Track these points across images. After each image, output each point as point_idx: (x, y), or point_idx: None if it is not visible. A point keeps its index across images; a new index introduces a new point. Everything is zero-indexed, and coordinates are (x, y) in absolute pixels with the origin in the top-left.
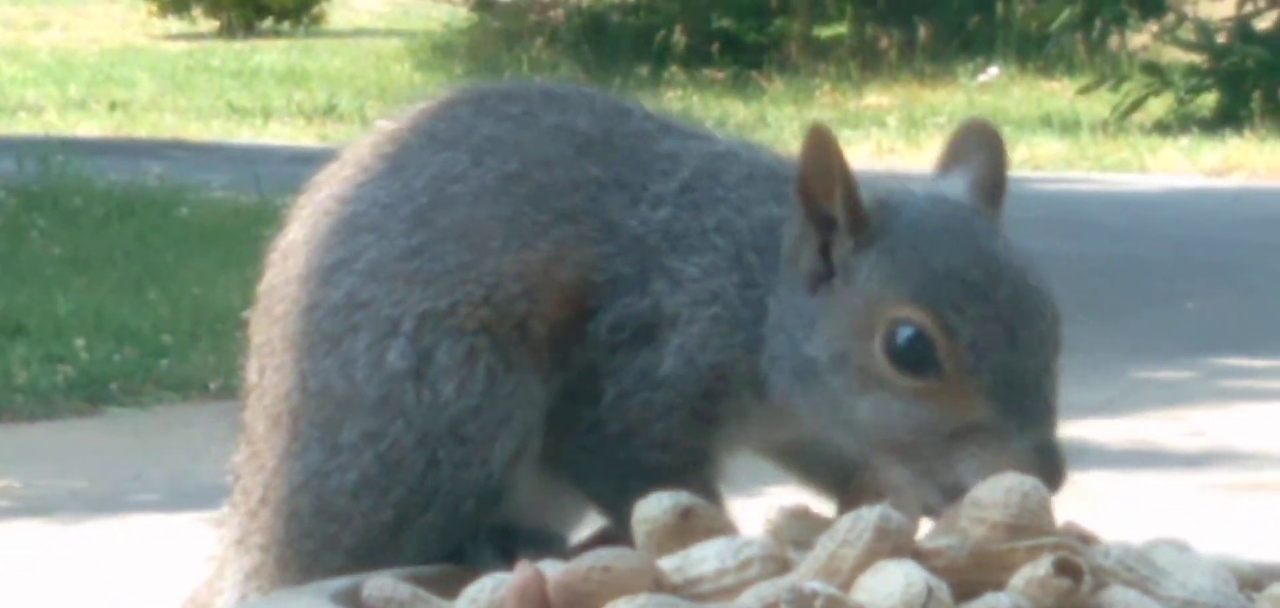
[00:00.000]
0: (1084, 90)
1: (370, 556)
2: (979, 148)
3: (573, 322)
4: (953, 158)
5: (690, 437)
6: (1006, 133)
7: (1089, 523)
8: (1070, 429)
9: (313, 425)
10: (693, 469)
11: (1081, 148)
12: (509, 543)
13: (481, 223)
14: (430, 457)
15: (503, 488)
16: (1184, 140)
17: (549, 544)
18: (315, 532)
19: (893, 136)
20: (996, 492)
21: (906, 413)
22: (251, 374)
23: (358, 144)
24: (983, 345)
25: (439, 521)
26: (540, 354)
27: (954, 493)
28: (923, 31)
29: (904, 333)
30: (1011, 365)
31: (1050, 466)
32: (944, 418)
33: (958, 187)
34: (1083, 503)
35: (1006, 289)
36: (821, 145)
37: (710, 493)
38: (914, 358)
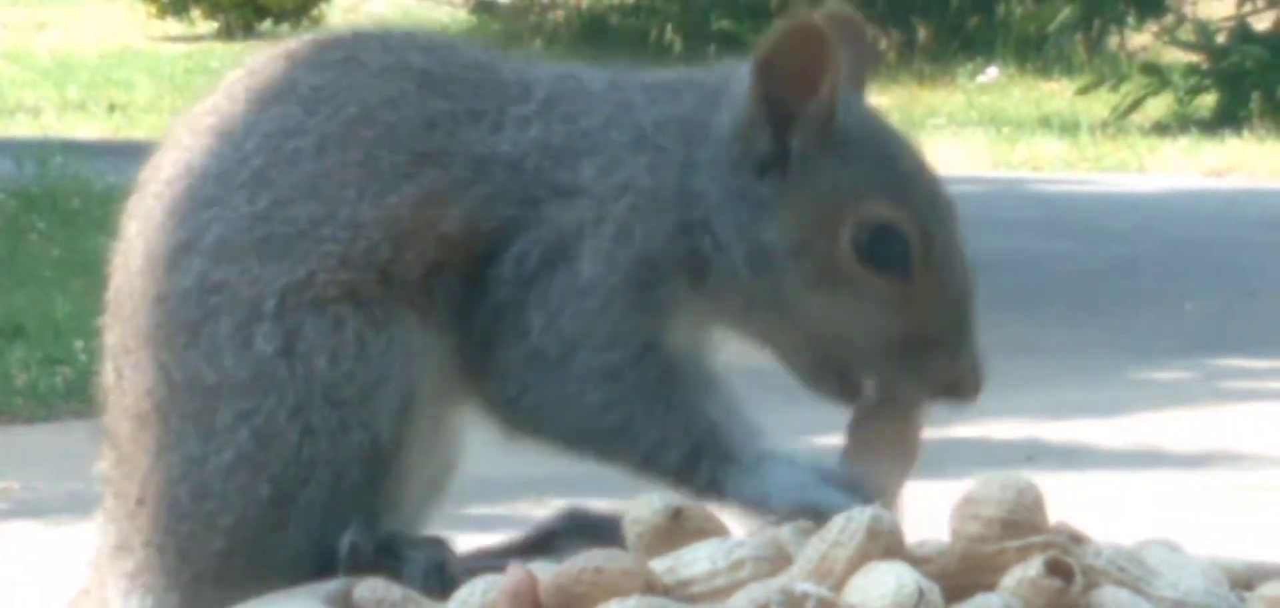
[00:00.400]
0: (1083, 91)
1: (251, 537)
2: (847, 42)
3: (460, 264)
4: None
5: (630, 329)
6: (1006, 133)
7: (1086, 524)
8: (1068, 431)
9: (184, 417)
10: (645, 360)
11: (1081, 148)
12: (392, 549)
13: (330, 172)
14: (305, 426)
15: (392, 452)
16: (1183, 140)
17: (435, 548)
18: (192, 514)
19: None
20: (991, 489)
21: (862, 313)
22: (108, 378)
23: (170, 130)
24: (947, 253)
25: (320, 495)
26: (414, 300)
27: (891, 394)
28: (922, 32)
29: (877, 230)
30: (964, 283)
31: (979, 380)
32: (897, 321)
33: None
34: (1080, 504)
35: (946, 197)
36: (813, 41)
37: (671, 380)
38: (887, 256)
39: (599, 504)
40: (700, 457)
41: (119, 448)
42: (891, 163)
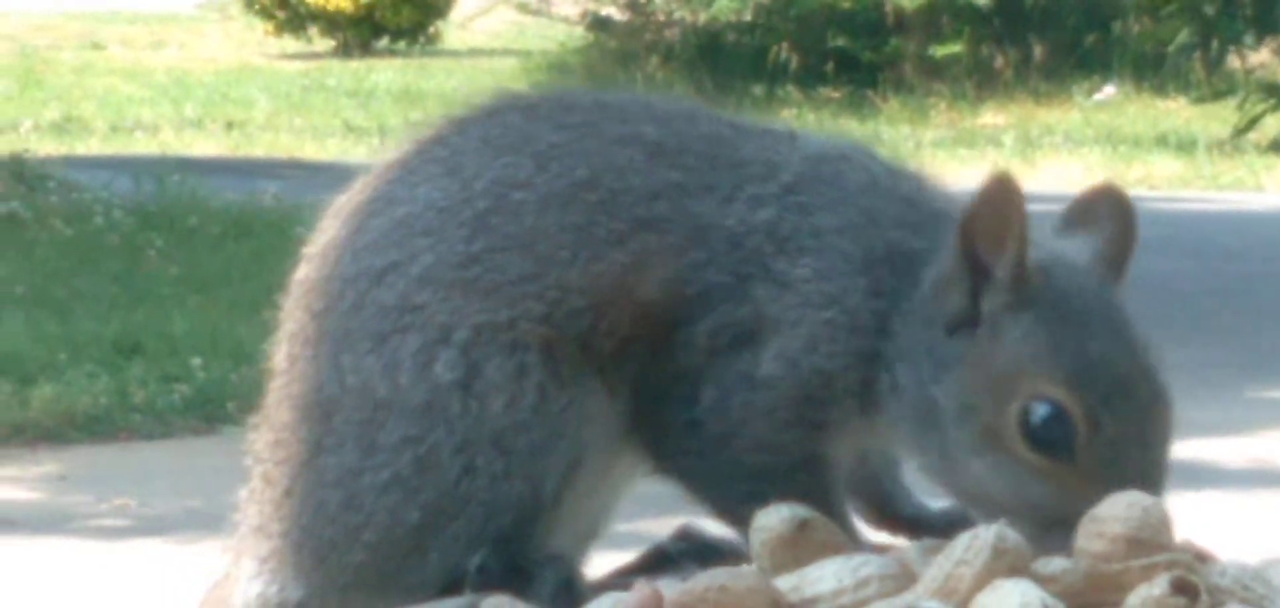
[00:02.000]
0: (1200, 100)
1: (390, 557)
2: (1110, 218)
3: (651, 337)
4: (1080, 218)
5: (792, 440)
6: (1122, 151)
7: (1205, 542)
8: (1188, 449)
9: (349, 422)
10: (800, 472)
11: (1197, 167)
12: (520, 567)
13: (548, 233)
14: (468, 464)
15: (550, 507)
16: None
17: (562, 566)
18: (338, 521)
19: (1008, 155)
20: (1117, 506)
21: (1021, 486)
22: (279, 360)
23: (398, 148)
24: (1121, 444)
25: (469, 531)
26: (605, 370)
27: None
28: (1038, 50)
29: (1044, 410)
30: (1141, 468)
31: None
32: (1058, 502)
33: (1083, 252)
34: (1200, 523)
35: (1146, 387)
36: (1004, 195)
37: (825, 496)
38: (1050, 438)
39: (712, 526)
40: None
41: (276, 432)
42: (1080, 340)
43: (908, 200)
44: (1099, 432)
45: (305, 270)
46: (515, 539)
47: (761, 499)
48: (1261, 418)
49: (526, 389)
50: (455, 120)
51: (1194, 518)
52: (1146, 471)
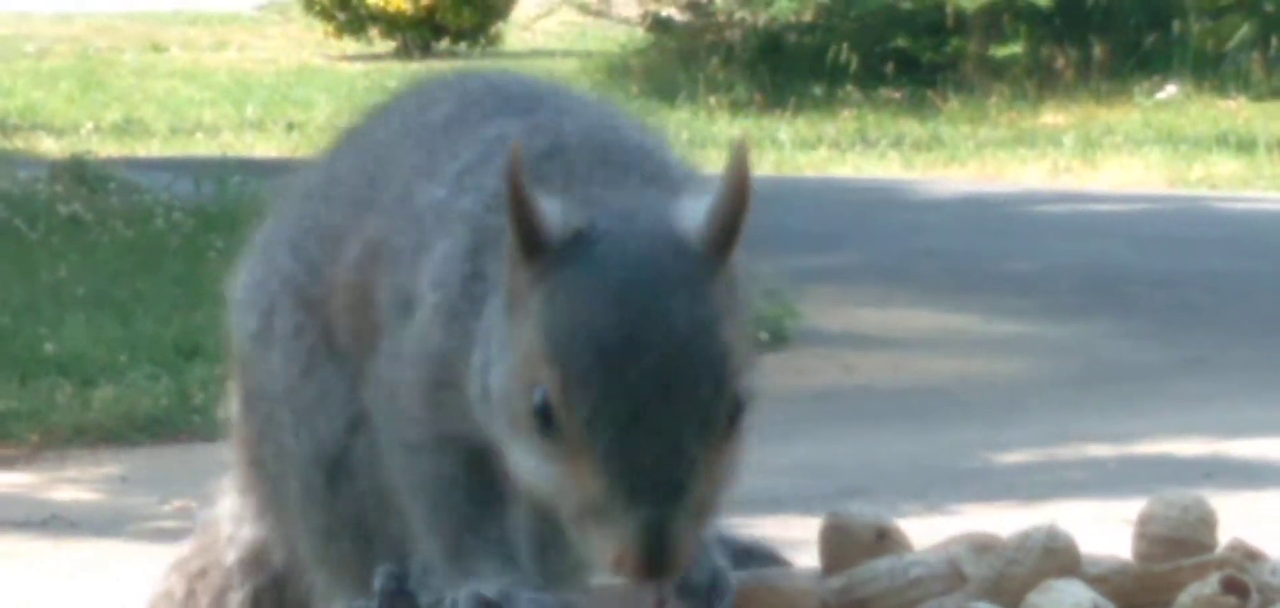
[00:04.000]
0: (1259, 98)
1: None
2: (724, 180)
3: (361, 308)
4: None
5: (431, 418)
6: (1183, 151)
7: (1266, 542)
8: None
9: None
10: (442, 452)
11: (1258, 167)
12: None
13: (331, 200)
14: (268, 414)
15: (347, 475)
16: None
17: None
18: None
19: (1068, 155)
20: (1159, 506)
21: (541, 470)
22: None
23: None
24: (599, 422)
25: (300, 487)
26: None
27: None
28: (1098, 50)
29: (539, 392)
30: (626, 445)
31: (648, 545)
32: (568, 485)
33: (692, 213)
34: (1260, 522)
35: (650, 359)
36: (513, 163)
37: (457, 482)
38: (543, 419)
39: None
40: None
41: None
42: (575, 315)
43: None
44: (574, 409)
45: None
46: (335, 501)
47: (413, 473)
48: None
49: (299, 350)
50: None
51: (1253, 516)
52: (632, 451)
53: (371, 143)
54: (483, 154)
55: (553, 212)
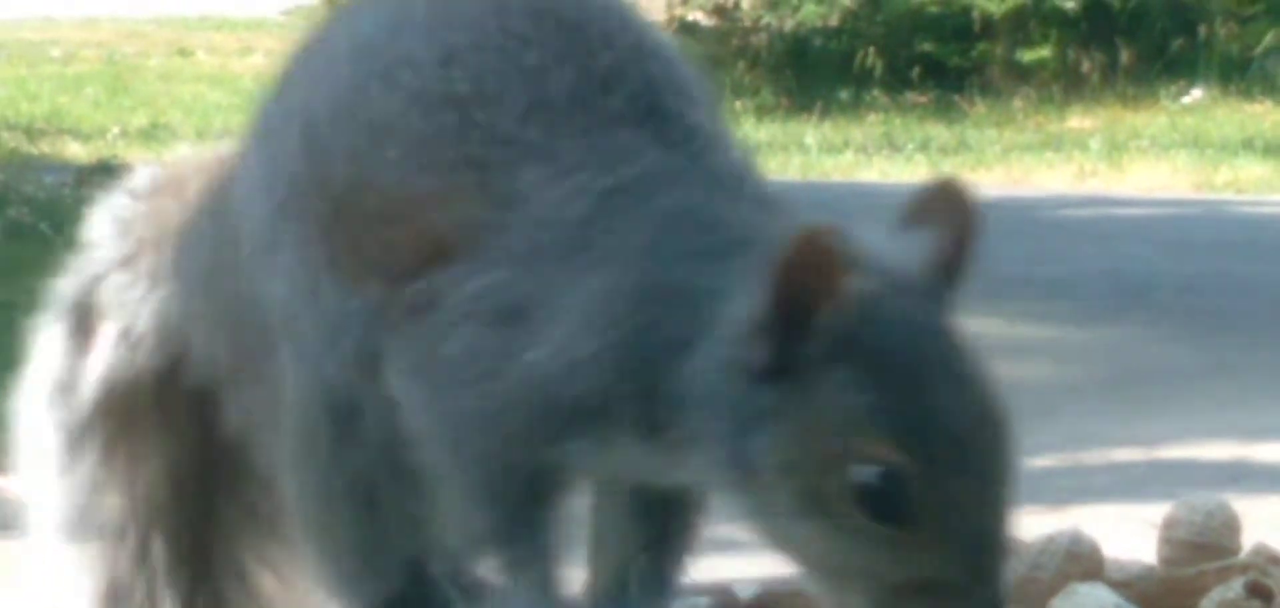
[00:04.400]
0: None
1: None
2: (947, 217)
3: (419, 266)
4: (917, 216)
5: (516, 440)
6: (1209, 155)
7: None
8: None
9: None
10: (512, 477)
11: None
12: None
13: (397, 127)
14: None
15: (351, 417)
16: None
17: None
18: None
19: (1095, 159)
20: (1183, 511)
21: (856, 551)
22: None
23: None
24: (959, 504)
25: (297, 391)
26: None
27: None
28: (1125, 55)
29: (873, 474)
30: (979, 525)
31: None
32: (898, 566)
33: (912, 267)
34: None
35: (985, 435)
36: (820, 249)
37: (529, 513)
38: (881, 503)
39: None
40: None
41: None
42: (906, 391)
43: (709, 226)
44: (933, 492)
45: None
46: (340, 459)
47: (471, 449)
48: None
49: (303, 269)
50: None
51: (1277, 521)
52: (983, 531)
53: (453, 41)
54: (639, 177)
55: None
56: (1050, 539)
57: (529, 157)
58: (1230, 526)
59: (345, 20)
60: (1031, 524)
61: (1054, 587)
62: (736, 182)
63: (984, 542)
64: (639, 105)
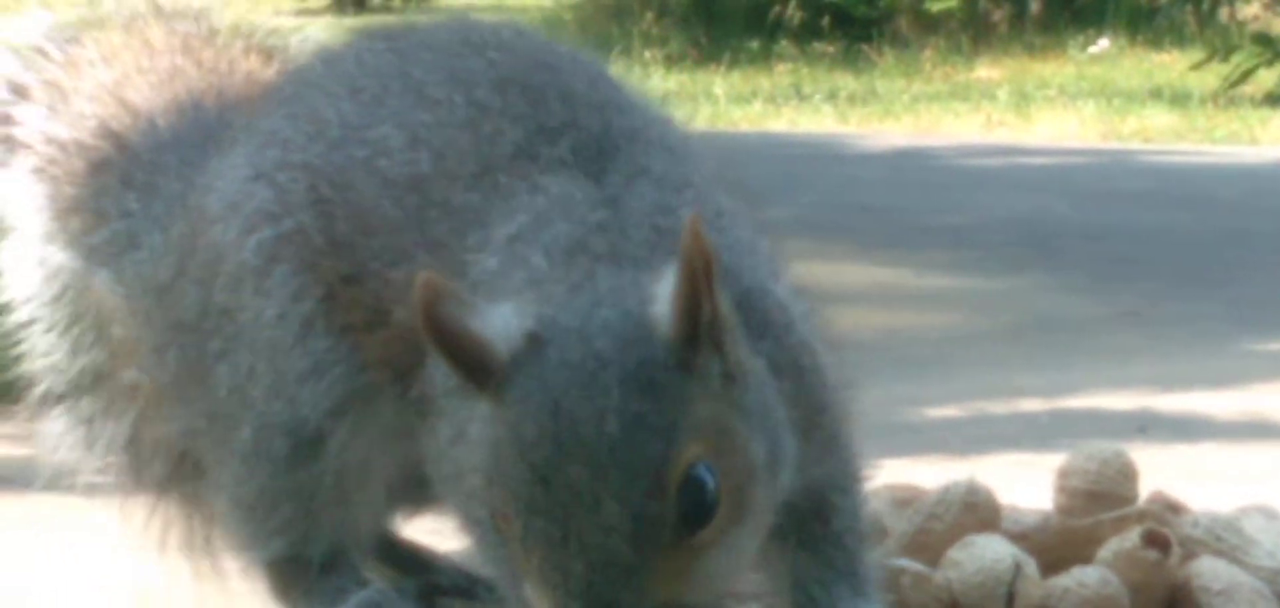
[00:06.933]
0: (1197, 66)
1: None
2: (681, 259)
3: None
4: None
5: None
6: (1116, 105)
7: (1200, 496)
8: (1181, 402)
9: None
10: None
11: (1191, 120)
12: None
13: (381, 203)
14: (247, 366)
15: (318, 453)
16: None
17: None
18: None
19: (1002, 109)
20: (1078, 460)
21: (493, 564)
22: None
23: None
24: (532, 543)
25: (254, 440)
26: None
27: None
28: (1033, 4)
29: (482, 506)
30: (557, 563)
31: None
32: (514, 587)
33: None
34: (1193, 476)
35: (574, 471)
36: (430, 296)
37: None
38: (490, 529)
39: None
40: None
41: None
42: (507, 437)
43: (570, 250)
44: (512, 533)
45: None
46: (293, 472)
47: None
48: (1255, 369)
49: (295, 316)
50: (407, 36)
51: (1186, 470)
52: (564, 570)
53: (420, 120)
54: (531, 222)
55: (498, 325)
56: (946, 489)
57: (470, 224)
58: (1126, 474)
59: (332, 76)
60: (936, 474)
61: (950, 537)
62: (639, 218)
63: (567, 578)
64: (585, 152)
